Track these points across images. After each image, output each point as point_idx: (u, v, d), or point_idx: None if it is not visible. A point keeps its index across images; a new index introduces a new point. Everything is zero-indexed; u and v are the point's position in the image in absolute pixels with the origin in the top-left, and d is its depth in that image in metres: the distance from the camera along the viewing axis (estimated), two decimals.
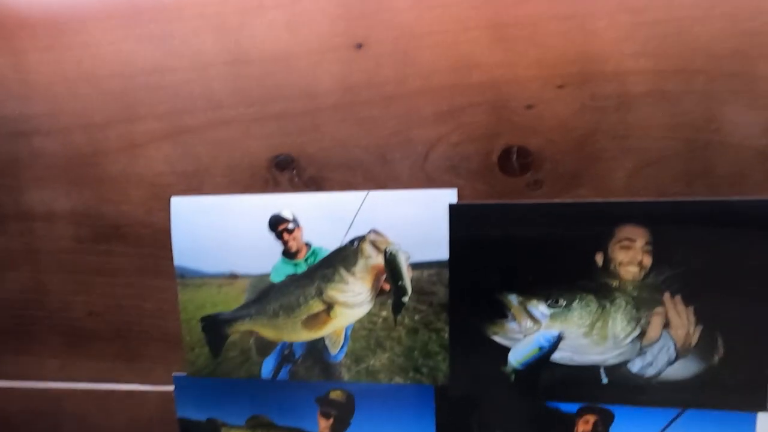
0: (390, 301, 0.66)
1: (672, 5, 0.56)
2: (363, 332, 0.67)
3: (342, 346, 0.68)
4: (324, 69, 0.63)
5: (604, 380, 0.64)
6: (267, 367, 0.70)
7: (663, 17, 0.56)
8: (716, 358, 0.61)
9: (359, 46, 0.61)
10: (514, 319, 0.64)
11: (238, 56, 0.64)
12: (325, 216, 0.66)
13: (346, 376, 0.69)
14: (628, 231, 0.61)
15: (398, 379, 0.68)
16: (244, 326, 0.69)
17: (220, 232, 0.67)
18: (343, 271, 0.66)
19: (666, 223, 0.59)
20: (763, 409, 0.61)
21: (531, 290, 0.63)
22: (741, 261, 0.59)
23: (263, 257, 0.67)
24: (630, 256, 0.61)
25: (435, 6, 0.60)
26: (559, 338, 0.64)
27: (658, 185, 0.60)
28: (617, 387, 0.63)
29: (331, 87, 0.63)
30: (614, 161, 0.60)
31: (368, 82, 0.62)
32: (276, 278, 0.67)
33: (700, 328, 0.61)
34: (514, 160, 0.62)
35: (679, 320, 0.61)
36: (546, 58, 0.59)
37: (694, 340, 0.61)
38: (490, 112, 0.61)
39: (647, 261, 0.61)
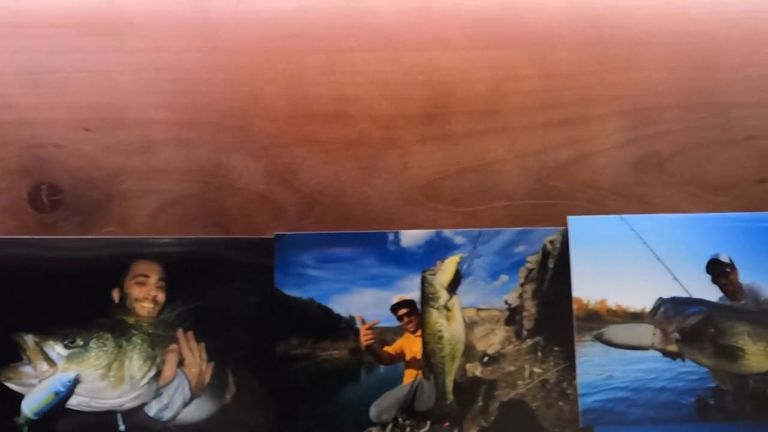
0: None
1: (183, 68, 0.65)
2: None
3: None
4: None
5: (122, 427, 0.60)
6: None
7: (179, 77, 0.65)
8: (228, 397, 0.62)
9: None
10: (30, 362, 0.60)
11: None
12: None
13: None
14: (142, 267, 0.62)
15: None
16: None
17: None
18: None
19: (178, 259, 0.62)
20: None
21: (48, 329, 0.60)
22: (244, 296, 0.62)
23: None
24: (144, 291, 0.62)
25: None
26: (75, 381, 0.60)
27: (179, 224, 0.63)
28: None
29: None
30: (139, 200, 0.64)
31: None
32: None
33: (212, 365, 0.62)
34: (44, 197, 0.63)
35: (192, 357, 0.62)
36: (76, 104, 0.64)
37: (207, 377, 0.62)
38: (23, 150, 0.63)
39: (161, 297, 0.62)
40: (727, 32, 0.67)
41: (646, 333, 0.63)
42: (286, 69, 0.65)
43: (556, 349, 0.62)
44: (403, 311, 0.62)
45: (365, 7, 0.65)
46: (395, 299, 0.62)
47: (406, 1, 0.65)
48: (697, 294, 0.63)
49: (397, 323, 0.62)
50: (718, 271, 0.64)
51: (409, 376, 0.62)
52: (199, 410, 0.61)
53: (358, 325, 0.62)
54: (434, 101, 0.66)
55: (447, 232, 0.64)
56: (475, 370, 0.62)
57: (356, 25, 0.65)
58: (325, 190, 0.65)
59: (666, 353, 0.63)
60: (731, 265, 0.64)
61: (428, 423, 0.61)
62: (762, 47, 0.67)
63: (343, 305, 0.62)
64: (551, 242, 0.64)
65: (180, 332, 0.61)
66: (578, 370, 0.62)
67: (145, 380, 0.61)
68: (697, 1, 0.67)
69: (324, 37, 0.65)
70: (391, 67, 0.66)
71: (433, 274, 0.62)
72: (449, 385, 0.62)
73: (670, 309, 0.63)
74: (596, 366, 0.62)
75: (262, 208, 0.64)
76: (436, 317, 0.62)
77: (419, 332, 0.62)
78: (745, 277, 0.63)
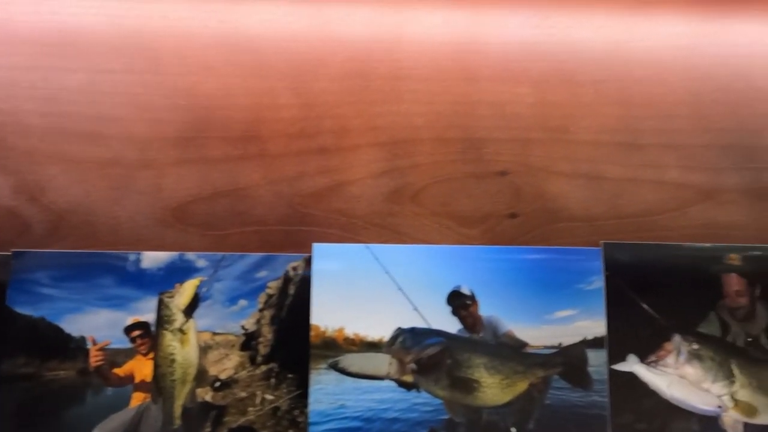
0: None
1: None
2: None
3: None
4: None
5: None
6: None
7: None
8: None
9: None
10: None
11: None
12: None
13: None
14: None
15: None
16: None
17: None
18: None
19: None
20: None
21: None
22: None
23: None
24: None
25: None
26: None
27: None
28: None
29: None
30: None
31: None
32: None
33: None
34: None
35: None
36: None
37: None
38: None
39: None
40: (486, 71, 0.69)
41: (382, 362, 0.63)
42: (45, 87, 0.65)
43: (290, 376, 0.62)
44: (136, 333, 0.61)
45: (129, 30, 0.66)
46: (129, 320, 0.62)
47: (172, 26, 0.67)
48: (436, 325, 0.63)
49: (129, 345, 0.62)
50: (459, 302, 0.64)
51: (137, 399, 0.61)
52: None
53: (89, 345, 0.61)
54: (192, 125, 0.66)
55: (189, 255, 0.64)
56: (206, 395, 0.61)
57: (119, 46, 0.66)
58: (74, 208, 0.65)
59: (401, 383, 0.62)
60: (472, 298, 0.64)
61: None
62: (518, 87, 0.69)
63: (75, 325, 0.61)
64: (294, 268, 0.64)
65: None
66: (310, 398, 0.61)
67: None
68: (458, 39, 0.69)
69: (85, 57, 0.66)
70: (152, 90, 0.66)
71: (171, 297, 0.62)
72: (177, 410, 0.61)
73: (408, 339, 0.63)
74: (329, 394, 0.62)
75: (8, 224, 0.64)
76: (169, 340, 0.62)
77: (152, 355, 0.62)
78: (485, 309, 0.64)
